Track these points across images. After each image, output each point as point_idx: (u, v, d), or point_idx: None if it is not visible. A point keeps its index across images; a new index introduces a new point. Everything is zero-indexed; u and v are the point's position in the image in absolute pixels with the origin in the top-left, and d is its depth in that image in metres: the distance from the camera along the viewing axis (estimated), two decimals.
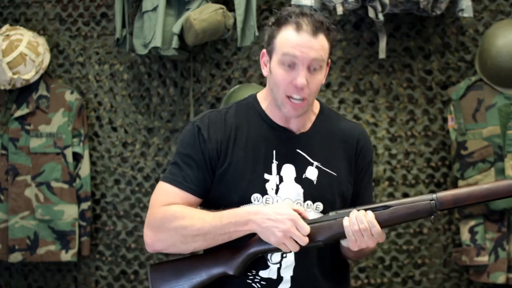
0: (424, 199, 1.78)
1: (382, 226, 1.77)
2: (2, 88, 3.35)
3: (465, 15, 3.04)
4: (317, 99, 1.98)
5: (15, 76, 3.30)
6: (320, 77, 1.85)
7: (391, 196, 3.25)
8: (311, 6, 3.02)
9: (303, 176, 1.88)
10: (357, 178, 1.96)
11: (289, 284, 1.86)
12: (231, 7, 3.21)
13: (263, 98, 1.95)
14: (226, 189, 1.86)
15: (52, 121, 3.39)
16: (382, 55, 3.13)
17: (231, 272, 1.84)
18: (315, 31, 1.81)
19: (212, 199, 1.89)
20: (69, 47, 3.54)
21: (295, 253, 1.84)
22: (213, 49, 3.41)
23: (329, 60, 1.90)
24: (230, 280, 1.87)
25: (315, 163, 1.90)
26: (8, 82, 3.31)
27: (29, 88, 3.41)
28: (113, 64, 3.50)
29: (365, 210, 1.78)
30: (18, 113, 3.40)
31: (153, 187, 3.10)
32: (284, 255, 1.84)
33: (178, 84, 3.43)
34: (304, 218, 1.79)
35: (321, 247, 1.81)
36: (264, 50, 1.90)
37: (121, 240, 3.48)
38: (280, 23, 1.84)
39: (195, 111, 3.37)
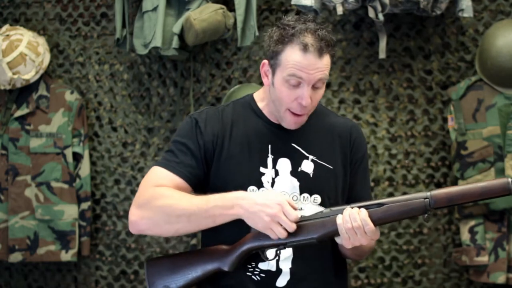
0: (418, 197, 1.78)
1: (375, 224, 1.77)
2: (2, 88, 3.35)
3: (465, 15, 3.04)
4: None
5: (15, 76, 3.30)
6: (322, 92, 1.90)
7: (391, 196, 3.25)
8: (311, 6, 3.02)
9: (299, 170, 1.91)
10: (352, 171, 1.98)
11: (288, 277, 1.88)
12: (231, 7, 3.21)
13: (260, 98, 1.99)
14: (223, 182, 1.89)
15: (52, 121, 3.39)
16: (382, 55, 3.13)
17: (225, 268, 1.86)
18: (320, 52, 1.83)
19: (208, 193, 1.90)
20: (69, 47, 3.54)
21: (293, 246, 1.85)
22: (213, 49, 3.41)
23: None
24: (230, 273, 1.88)
25: (311, 157, 1.93)
26: (8, 82, 3.31)
27: (29, 88, 3.41)
28: (113, 64, 3.50)
29: (359, 207, 1.79)
30: (18, 113, 3.40)
31: None
32: (279, 251, 1.85)
33: (178, 84, 3.43)
34: (294, 209, 1.80)
35: (314, 244, 1.82)
36: (265, 61, 1.91)
37: (121, 240, 3.48)
38: (285, 41, 1.85)
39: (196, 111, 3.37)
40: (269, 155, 1.91)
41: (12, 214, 3.36)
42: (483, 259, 3.03)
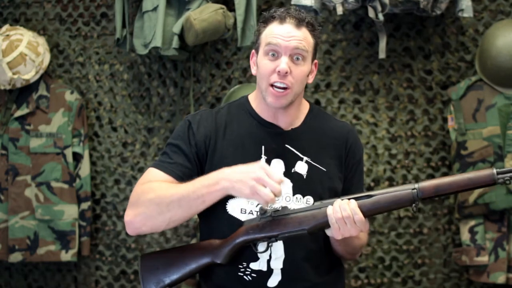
0: (406, 188, 1.82)
1: (365, 215, 1.80)
2: (2, 88, 3.35)
3: (465, 15, 3.04)
4: (307, 100, 2.05)
5: (15, 76, 3.30)
6: (304, 69, 1.91)
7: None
8: (311, 6, 3.03)
9: (292, 171, 1.93)
10: (347, 176, 2.00)
11: (279, 277, 1.90)
12: (231, 7, 3.22)
13: (253, 98, 2.01)
14: None
15: (52, 121, 3.39)
16: (382, 55, 3.13)
17: (218, 261, 1.88)
18: (298, 24, 1.90)
19: None
20: (69, 47, 3.54)
21: (285, 245, 1.88)
22: (213, 49, 3.41)
23: (316, 61, 1.98)
24: (222, 273, 1.91)
25: (305, 158, 1.94)
26: (8, 82, 3.31)
27: (29, 88, 3.41)
28: (113, 64, 3.50)
29: (349, 199, 1.82)
30: (18, 113, 3.40)
31: None
32: (270, 244, 1.86)
33: (178, 84, 3.43)
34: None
35: (305, 235, 1.84)
36: (253, 51, 1.98)
37: (121, 240, 3.48)
38: (266, 21, 1.93)
39: (195, 111, 3.36)
40: (263, 156, 1.93)
41: (12, 214, 3.36)
42: (483, 259, 3.03)
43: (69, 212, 3.37)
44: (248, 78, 3.39)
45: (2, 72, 3.28)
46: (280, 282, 1.89)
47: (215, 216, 1.93)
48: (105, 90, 3.51)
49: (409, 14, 3.19)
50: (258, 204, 1.90)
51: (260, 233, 1.84)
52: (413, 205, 1.81)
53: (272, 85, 1.89)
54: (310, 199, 1.92)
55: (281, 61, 1.87)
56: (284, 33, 1.88)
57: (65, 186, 3.38)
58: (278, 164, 1.92)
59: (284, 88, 1.88)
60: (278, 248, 1.89)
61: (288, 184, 1.92)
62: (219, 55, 3.41)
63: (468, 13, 3.04)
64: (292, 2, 3.07)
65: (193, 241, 3.36)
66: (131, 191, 3.41)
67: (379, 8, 2.98)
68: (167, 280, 1.89)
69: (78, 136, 3.43)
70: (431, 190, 1.81)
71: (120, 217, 3.48)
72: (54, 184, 3.36)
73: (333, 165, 1.97)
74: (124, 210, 3.42)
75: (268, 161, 1.92)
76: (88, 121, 3.50)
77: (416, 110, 3.30)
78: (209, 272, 1.93)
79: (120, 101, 3.50)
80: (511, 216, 3.04)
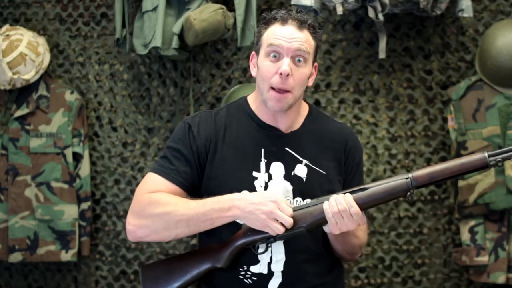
0: (400, 178, 1.84)
1: (362, 208, 1.82)
2: (2, 88, 3.35)
3: (465, 15, 3.04)
4: (307, 102, 2.04)
5: (15, 76, 3.30)
6: (305, 71, 1.90)
7: None
8: (311, 6, 3.02)
9: (292, 174, 1.93)
10: (346, 178, 2.00)
11: (280, 279, 1.89)
12: (231, 7, 3.21)
13: (252, 100, 2.00)
14: (216, 186, 1.91)
15: (52, 121, 3.39)
16: (382, 55, 3.13)
17: (219, 265, 1.88)
18: (299, 26, 1.89)
19: (202, 196, 1.91)
20: (69, 47, 3.54)
21: (286, 248, 1.89)
22: (213, 49, 3.41)
23: (316, 64, 1.97)
24: (223, 276, 1.91)
25: (304, 161, 1.94)
26: (8, 82, 3.31)
27: (29, 88, 3.41)
28: (113, 64, 3.50)
29: (344, 193, 1.83)
30: (18, 113, 3.40)
31: None
32: (270, 245, 1.87)
33: (178, 84, 3.43)
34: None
35: (304, 233, 1.84)
36: (253, 52, 1.97)
37: (121, 240, 3.48)
38: (267, 22, 1.94)
39: (195, 111, 3.36)
40: (262, 159, 1.92)
41: (12, 214, 3.36)
42: (483, 259, 3.03)
43: (69, 212, 3.37)
44: (248, 78, 3.39)
45: (2, 72, 3.28)
46: (280, 285, 1.89)
47: None
48: (105, 90, 3.51)
49: (409, 14, 3.19)
50: None
51: (259, 234, 1.85)
52: (408, 194, 1.82)
53: (273, 88, 1.88)
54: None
55: (283, 63, 1.86)
56: (286, 34, 1.88)
57: (65, 186, 3.38)
58: (278, 167, 1.92)
59: (285, 91, 1.88)
60: (279, 251, 1.89)
61: (288, 187, 1.92)
62: (219, 55, 3.41)
63: (468, 13, 3.04)
64: (292, 2, 3.06)
65: (194, 241, 3.36)
66: (131, 191, 3.45)
67: (379, 8, 2.98)
68: None
69: (78, 136, 3.43)
70: (424, 177, 1.82)
71: (120, 217, 3.48)
72: (54, 184, 3.36)
73: (333, 167, 1.97)
74: (124, 211, 3.46)
75: (268, 164, 1.92)
76: (88, 121, 3.50)
77: (416, 110, 3.30)
78: (209, 276, 1.93)
79: (120, 101, 3.50)
80: (511, 216, 3.04)
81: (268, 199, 1.81)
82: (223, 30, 3.16)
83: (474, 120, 3.08)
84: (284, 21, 1.90)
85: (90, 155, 3.49)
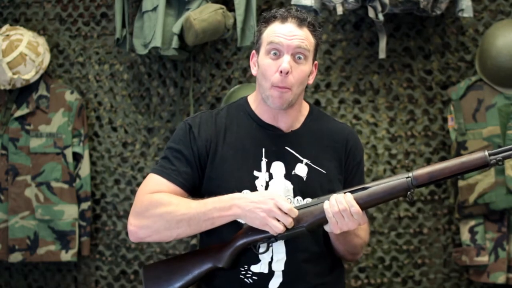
0: (400, 177, 1.84)
1: (362, 207, 1.82)
2: (2, 88, 3.35)
3: (465, 15, 3.04)
4: (307, 101, 2.05)
5: (15, 76, 3.30)
6: (305, 69, 1.91)
7: None
8: (311, 6, 3.03)
9: (293, 173, 1.93)
10: (347, 178, 2.00)
11: (280, 279, 1.89)
12: (231, 7, 3.21)
13: (252, 99, 2.01)
14: (216, 186, 1.91)
15: (52, 121, 3.39)
16: (382, 55, 3.13)
17: (220, 265, 1.88)
18: (299, 23, 1.90)
19: (203, 196, 1.92)
20: (69, 47, 3.54)
21: (286, 247, 1.89)
22: (213, 49, 3.41)
23: (316, 62, 1.98)
24: (223, 276, 1.91)
25: (305, 160, 1.94)
26: (8, 82, 3.31)
27: (29, 88, 3.41)
28: (113, 64, 3.50)
29: (344, 193, 1.83)
30: (18, 113, 3.40)
31: None
32: (270, 244, 1.87)
33: (178, 84, 3.43)
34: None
35: (304, 233, 1.84)
36: (253, 51, 1.98)
37: (121, 240, 3.48)
38: (267, 21, 1.94)
39: (195, 111, 3.37)
40: (263, 158, 1.93)
41: (12, 214, 3.36)
42: (483, 259, 3.03)
43: (69, 212, 3.37)
44: (248, 78, 3.39)
45: (2, 72, 3.28)
46: (281, 284, 1.89)
47: None
48: (105, 90, 3.51)
49: (409, 14, 3.19)
50: None
51: (260, 234, 1.85)
52: (408, 193, 1.83)
53: (273, 86, 1.88)
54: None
55: (283, 60, 1.87)
56: (286, 32, 1.88)
57: (65, 186, 3.38)
58: (278, 167, 1.92)
59: (285, 88, 1.88)
60: (280, 251, 1.89)
61: (288, 187, 1.92)
62: (219, 55, 3.41)
63: (468, 13, 3.04)
64: (292, 2, 3.07)
65: (194, 241, 3.36)
66: (131, 191, 3.45)
67: (379, 8, 2.98)
68: None
69: (78, 136, 3.42)
70: (424, 177, 1.82)
71: (120, 217, 3.48)
72: (54, 184, 3.36)
73: (333, 167, 1.97)
74: (124, 211, 3.46)
75: (269, 164, 1.92)
76: (88, 121, 3.50)
77: (416, 110, 3.30)
78: (210, 276, 1.93)
79: (120, 101, 3.50)
80: (511, 216, 3.04)
81: (267, 197, 1.81)
82: (223, 30, 3.16)
83: (474, 120, 3.08)
84: (284, 19, 1.90)
85: (90, 155, 3.49)
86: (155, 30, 3.13)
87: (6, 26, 3.43)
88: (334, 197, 1.82)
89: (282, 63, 1.86)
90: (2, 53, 3.28)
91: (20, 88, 3.40)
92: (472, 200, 3.04)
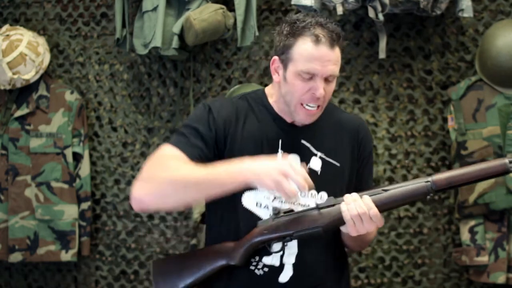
0: (420, 181, 1.84)
1: (380, 210, 1.80)
2: (2, 88, 3.35)
3: (465, 15, 3.04)
4: None
5: (15, 76, 3.30)
6: (334, 85, 1.91)
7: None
8: (311, 6, 3.03)
9: (307, 167, 1.91)
10: (358, 169, 2.00)
11: (291, 272, 1.89)
12: (231, 7, 3.21)
13: (270, 93, 2.00)
14: None
15: (52, 121, 3.39)
16: (382, 55, 3.13)
17: (233, 263, 1.87)
18: (332, 44, 1.86)
19: None
20: (69, 47, 3.54)
21: (299, 242, 1.88)
22: (213, 49, 3.41)
23: None
24: (233, 266, 1.89)
25: (319, 154, 1.94)
26: (8, 82, 3.31)
27: (29, 88, 3.41)
28: (113, 64, 3.50)
29: (361, 196, 1.82)
30: (18, 113, 3.40)
31: None
32: (286, 244, 1.86)
33: (178, 84, 3.43)
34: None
35: (320, 234, 1.83)
36: (276, 57, 1.92)
37: (121, 240, 3.48)
38: (296, 34, 1.87)
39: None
40: (279, 150, 1.92)
41: (12, 214, 3.36)
42: (483, 259, 3.03)
43: (69, 212, 3.37)
44: (248, 78, 3.39)
45: (2, 72, 3.28)
46: (291, 278, 1.89)
47: (228, 208, 1.91)
48: (105, 90, 3.51)
49: (409, 14, 3.19)
50: (274, 199, 1.89)
51: (275, 233, 1.83)
52: (428, 197, 1.84)
53: (302, 104, 1.88)
54: (324, 195, 1.92)
55: (318, 86, 1.84)
56: (320, 57, 1.84)
57: (65, 186, 3.38)
58: (294, 160, 1.91)
59: (318, 108, 1.89)
60: (292, 244, 1.88)
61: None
62: (219, 55, 3.41)
63: (468, 13, 3.04)
64: (292, 2, 3.07)
65: (194, 241, 3.36)
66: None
67: (379, 8, 2.98)
68: (181, 284, 1.87)
69: (78, 136, 3.43)
70: (443, 182, 1.83)
71: (120, 217, 3.48)
72: (54, 184, 3.36)
73: (346, 159, 1.97)
74: (124, 210, 3.46)
75: (284, 156, 1.91)
76: (88, 121, 3.50)
77: (416, 110, 3.30)
78: (223, 267, 1.91)
79: (120, 101, 3.50)
80: (511, 216, 3.04)
81: (281, 160, 1.77)
82: (223, 30, 3.16)
83: (474, 120, 3.08)
84: (317, 40, 1.84)
85: (90, 155, 3.49)
86: (155, 30, 3.13)
87: (6, 26, 3.43)
88: (353, 199, 1.80)
89: (317, 89, 1.84)
90: (2, 53, 3.28)
91: (20, 88, 3.39)
92: (472, 200, 3.04)
